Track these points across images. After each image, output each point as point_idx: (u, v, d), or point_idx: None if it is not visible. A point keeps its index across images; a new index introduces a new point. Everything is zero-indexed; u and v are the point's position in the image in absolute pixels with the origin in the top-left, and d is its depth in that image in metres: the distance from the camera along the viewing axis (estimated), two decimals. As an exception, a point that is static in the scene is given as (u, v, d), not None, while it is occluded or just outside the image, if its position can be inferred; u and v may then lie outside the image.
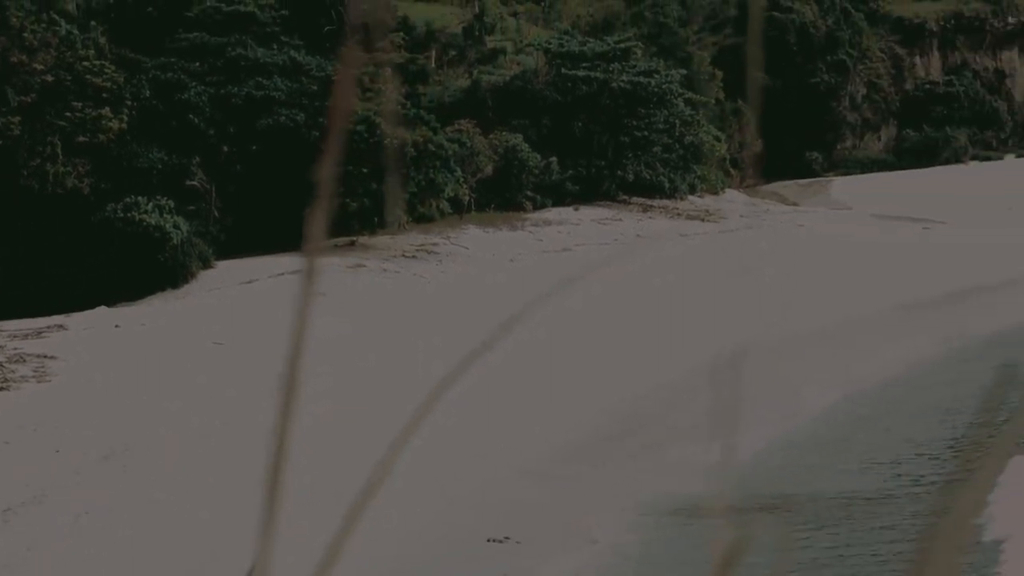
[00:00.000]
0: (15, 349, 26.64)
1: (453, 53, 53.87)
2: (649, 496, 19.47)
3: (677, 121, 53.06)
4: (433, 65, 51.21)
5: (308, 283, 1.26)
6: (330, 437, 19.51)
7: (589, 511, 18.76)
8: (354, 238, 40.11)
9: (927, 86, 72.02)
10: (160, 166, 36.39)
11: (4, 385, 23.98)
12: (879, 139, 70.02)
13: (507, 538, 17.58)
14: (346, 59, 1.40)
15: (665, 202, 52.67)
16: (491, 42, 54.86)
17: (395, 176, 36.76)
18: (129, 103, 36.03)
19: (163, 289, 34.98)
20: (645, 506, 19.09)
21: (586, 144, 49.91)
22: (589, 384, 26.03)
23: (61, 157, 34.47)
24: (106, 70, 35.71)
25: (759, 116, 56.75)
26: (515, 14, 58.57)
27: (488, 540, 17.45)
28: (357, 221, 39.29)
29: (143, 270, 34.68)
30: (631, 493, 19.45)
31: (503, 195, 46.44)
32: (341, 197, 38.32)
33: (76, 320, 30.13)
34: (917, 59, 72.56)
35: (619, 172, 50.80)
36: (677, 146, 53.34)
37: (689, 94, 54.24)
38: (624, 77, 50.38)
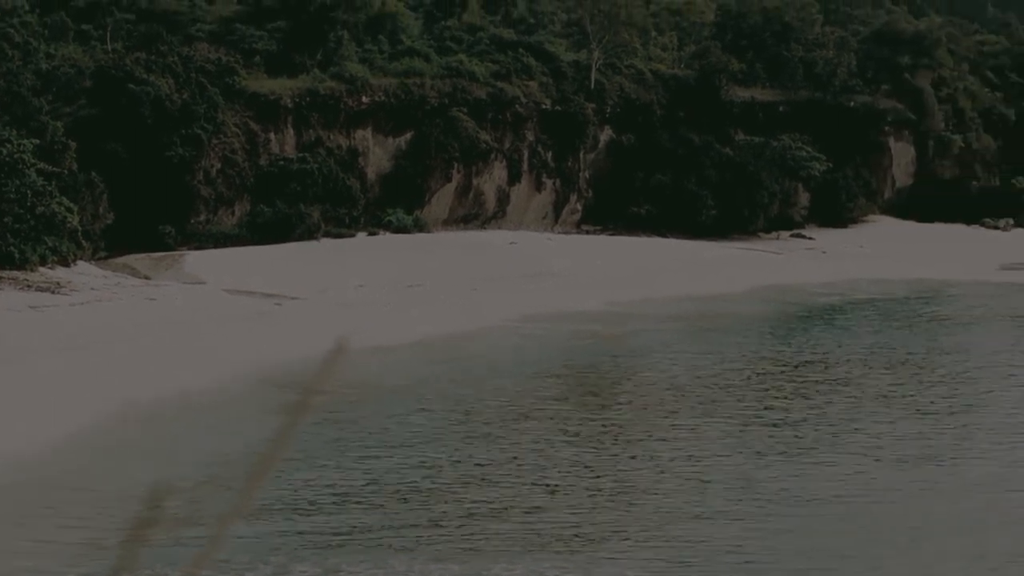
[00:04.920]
0: None
1: None
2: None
3: (29, 191, 59.33)
4: None
5: None
6: None
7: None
8: None
9: (281, 162, 79.99)
10: None
11: None
12: (233, 214, 77.12)
13: None
14: None
15: (15, 273, 58.36)
16: None
17: None
18: None
19: None
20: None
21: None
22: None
23: None
24: None
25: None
26: None
27: None
28: None
29: None
30: None
31: None
32: None
33: None
34: (272, 135, 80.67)
35: (-33, 243, 56.28)
36: (28, 216, 59.42)
37: (42, 164, 60.39)
38: (-26, 147, 56.23)
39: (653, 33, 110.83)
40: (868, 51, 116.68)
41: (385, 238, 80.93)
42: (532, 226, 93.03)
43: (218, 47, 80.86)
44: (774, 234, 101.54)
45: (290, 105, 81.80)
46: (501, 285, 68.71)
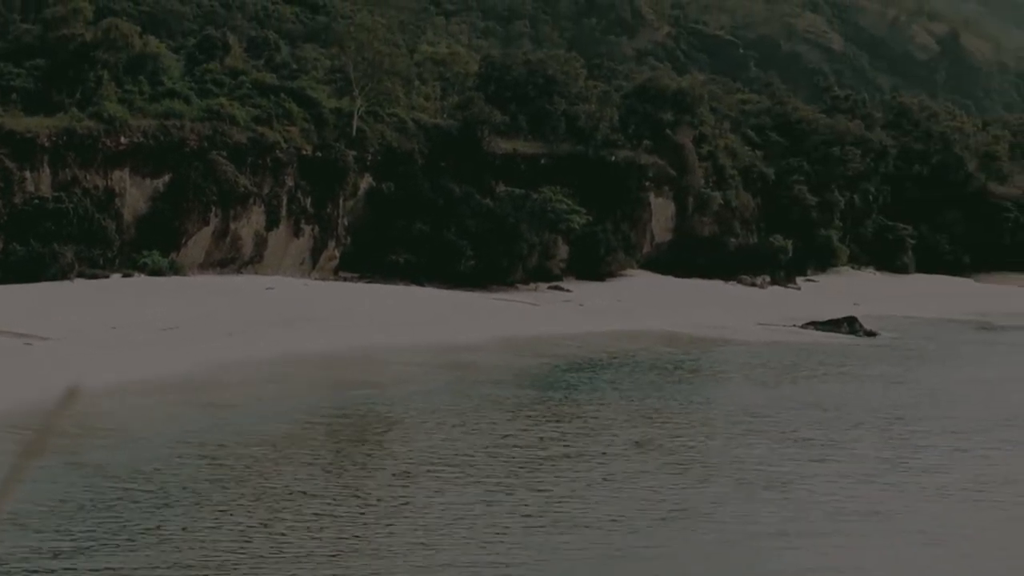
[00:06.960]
0: None
1: None
2: None
3: None
4: None
5: None
6: None
7: None
8: None
9: (36, 201, 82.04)
10: None
11: None
12: (-15, 252, 78.56)
13: None
14: None
15: None
16: None
17: None
18: None
19: None
20: None
21: None
22: None
23: None
24: None
25: None
26: None
27: None
28: None
29: None
30: None
31: None
32: None
33: None
34: (28, 174, 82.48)
35: None
36: None
37: None
38: None
39: (416, 82, 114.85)
40: (631, 106, 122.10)
41: (140, 280, 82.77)
42: (290, 272, 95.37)
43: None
44: (532, 285, 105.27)
45: (47, 144, 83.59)
46: (257, 330, 69.71)
